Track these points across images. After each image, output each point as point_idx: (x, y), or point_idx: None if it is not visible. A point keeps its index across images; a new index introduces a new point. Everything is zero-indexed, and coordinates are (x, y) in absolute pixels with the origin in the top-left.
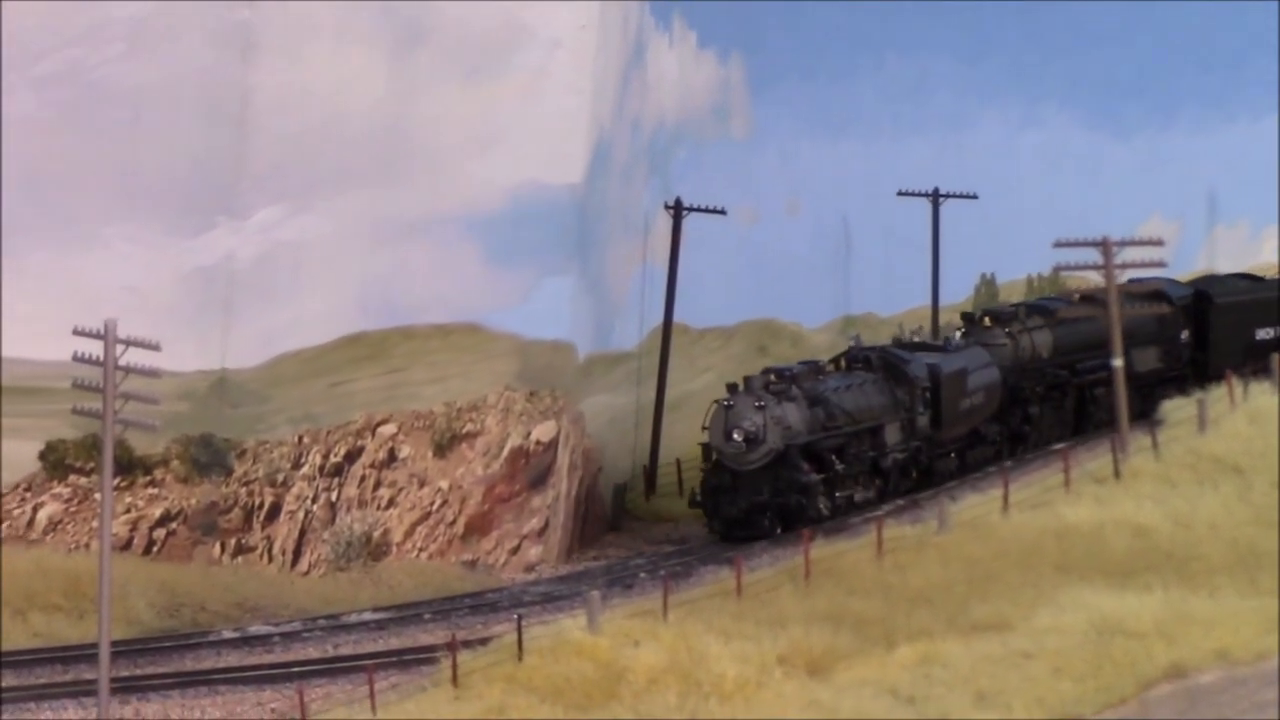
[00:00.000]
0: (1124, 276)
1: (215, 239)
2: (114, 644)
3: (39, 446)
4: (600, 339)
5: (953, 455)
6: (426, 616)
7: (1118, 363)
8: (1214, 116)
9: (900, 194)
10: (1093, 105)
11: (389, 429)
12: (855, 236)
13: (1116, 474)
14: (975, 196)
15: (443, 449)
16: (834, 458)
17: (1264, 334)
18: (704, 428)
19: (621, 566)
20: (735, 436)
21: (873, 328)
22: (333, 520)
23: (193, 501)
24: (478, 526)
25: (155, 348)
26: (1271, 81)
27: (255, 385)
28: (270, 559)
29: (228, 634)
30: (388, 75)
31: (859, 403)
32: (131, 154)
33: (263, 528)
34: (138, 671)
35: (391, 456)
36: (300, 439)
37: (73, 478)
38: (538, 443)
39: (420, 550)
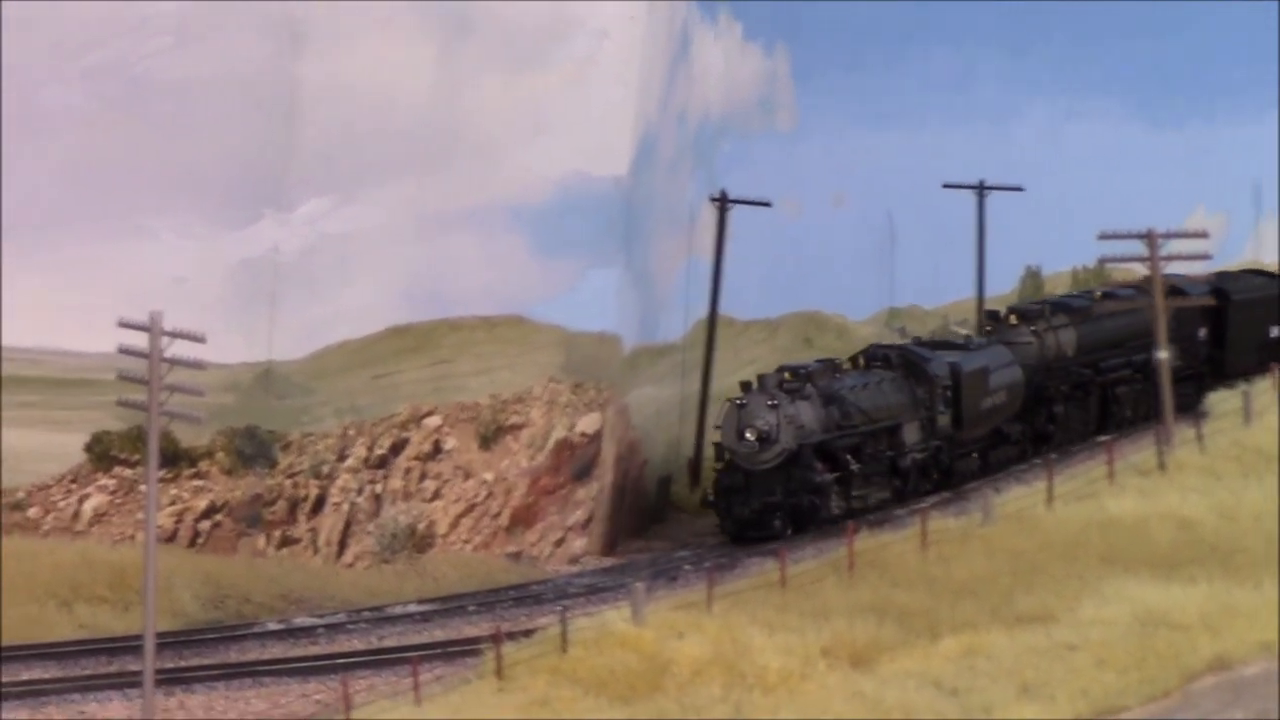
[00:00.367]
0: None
1: (261, 231)
2: (159, 636)
3: (85, 438)
4: (645, 331)
5: (975, 455)
6: (471, 608)
7: (1163, 354)
8: (1259, 108)
9: (945, 186)
10: (1138, 97)
11: (434, 421)
12: (900, 229)
13: (1161, 466)
14: (1021, 189)
15: (488, 441)
16: (849, 457)
17: (1277, 332)
18: (716, 426)
19: (666, 558)
20: (748, 436)
21: (917, 320)
22: (378, 512)
23: (238, 494)
24: (522, 518)
25: (201, 340)
26: None
27: (300, 377)
28: (315, 551)
29: (272, 626)
30: (435, 67)
31: (876, 401)
32: (178, 146)
33: (308, 520)
34: (182, 663)
35: (436, 448)
36: (345, 431)
37: (118, 470)
38: (583, 435)
39: (465, 542)
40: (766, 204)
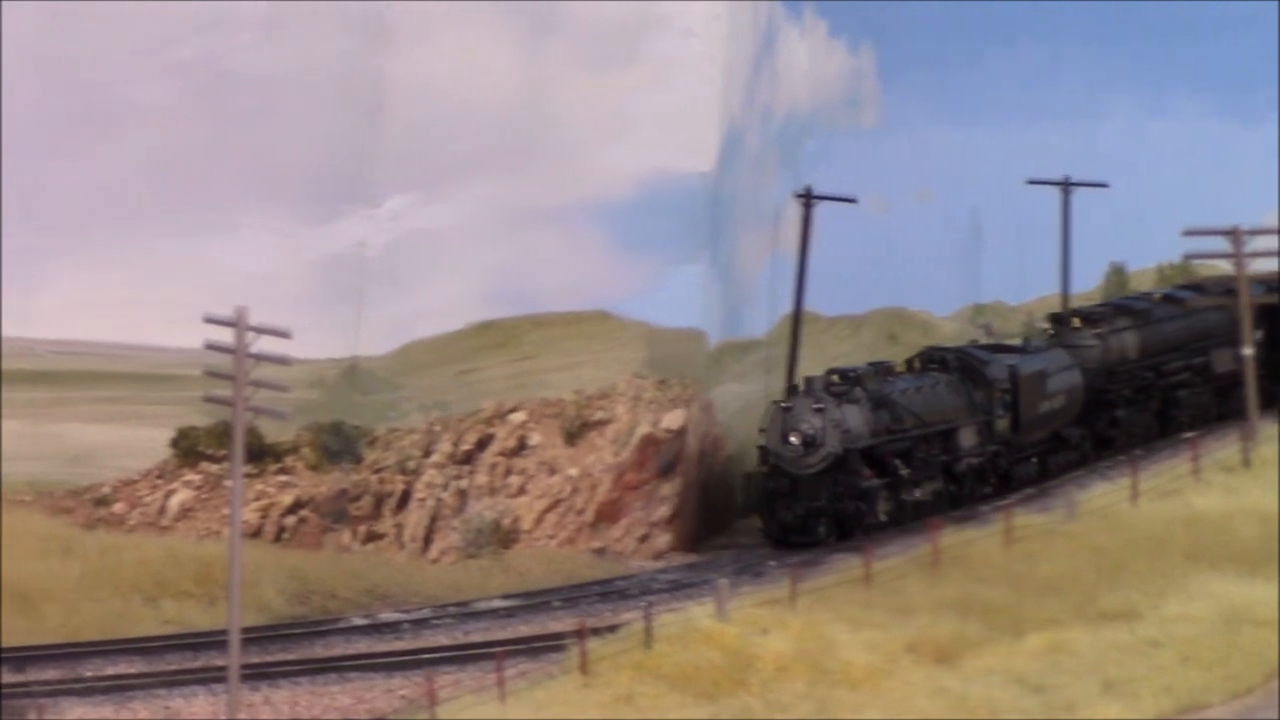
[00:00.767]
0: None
1: (347, 227)
2: (244, 631)
3: (170, 434)
4: (730, 327)
5: (1033, 460)
6: (555, 604)
7: (1248, 351)
8: None
9: (1030, 182)
10: (1223, 93)
11: (519, 416)
12: (985, 225)
13: (1246, 462)
14: (1106, 185)
15: (573, 436)
16: (898, 462)
17: None
18: (761, 429)
19: (750, 554)
20: (792, 439)
21: (1002, 316)
22: (463, 508)
23: (323, 489)
24: (607, 514)
25: (286, 335)
26: None
27: (386, 373)
28: (400, 546)
29: (358, 621)
30: (519, 64)
31: (930, 405)
32: (264, 142)
33: (393, 515)
34: (268, 658)
35: (521, 444)
36: (431, 426)
37: (204, 465)
38: (667, 430)
39: (550, 538)
40: (851, 200)
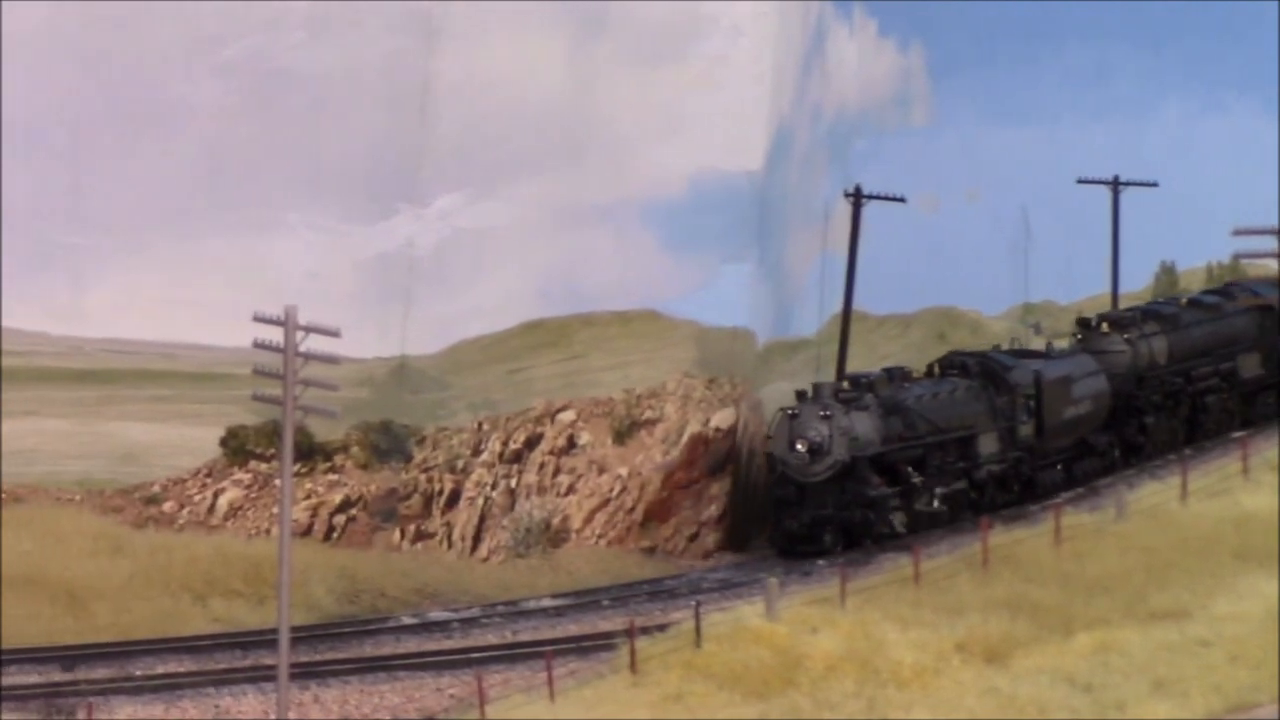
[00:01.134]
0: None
1: (396, 226)
2: (293, 629)
3: (220, 432)
4: (779, 326)
5: (1059, 467)
6: (605, 603)
7: None
8: None
9: (1080, 181)
10: (1272, 91)
11: (568, 416)
12: (1034, 224)
13: None
14: (1155, 184)
15: (622, 436)
16: (911, 470)
17: None
18: (767, 436)
19: (799, 553)
20: (798, 447)
21: (1052, 315)
22: (512, 507)
23: (372, 488)
24: (656, 513)
25: (335, 334)
26: None
27: (435, 372)
28: (450, 545)
29: (407, 620)
30: (568, 63)
31: (946, 411)
32: (313, 141)
33: (442, 514)
34: (317, 657)
35: (571, 443)
36: (480, 425)
37: (253, 464)
38: (717, 429)
39: (599, 537)
40: (901, 199)
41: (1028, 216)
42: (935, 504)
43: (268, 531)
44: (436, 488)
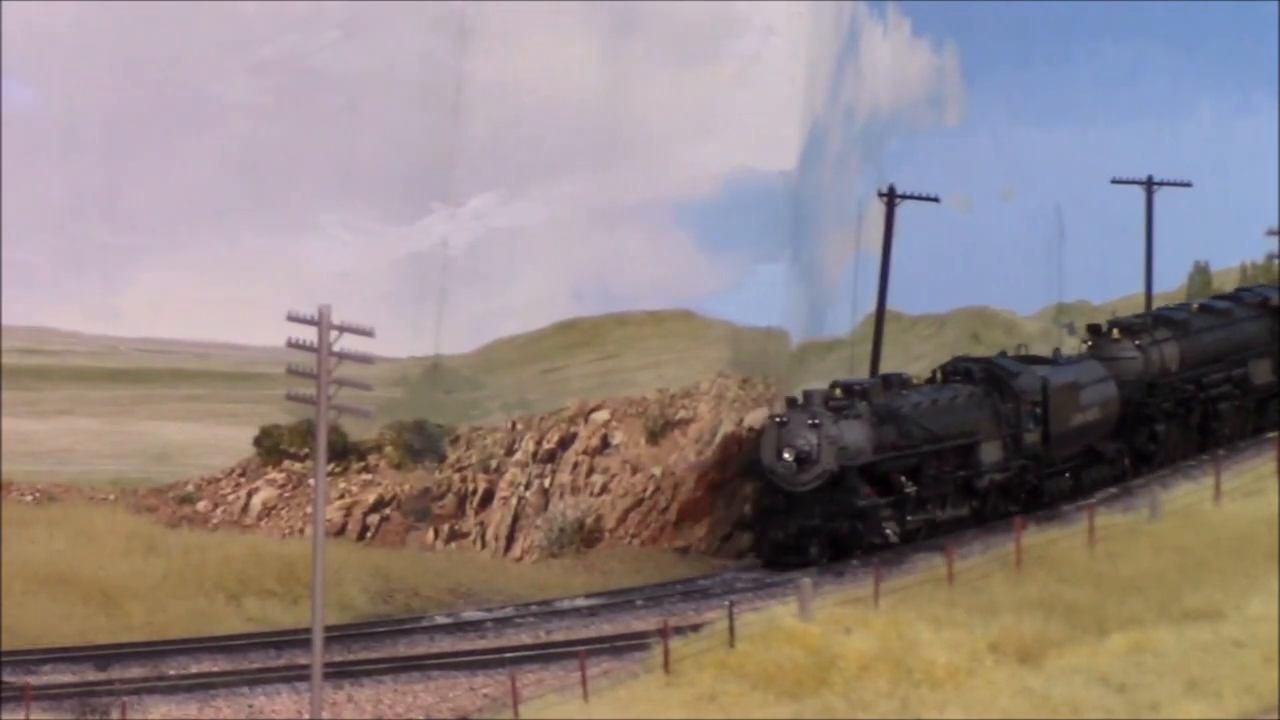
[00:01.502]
0: None
1: (430, 225)
2: (327, 629)
3: (253, 432)
4: (813, 326)
5: (1067, 475)
6: (639, 603)
7: None
8: None
9: (1114, 181)
10: None
11: (602, 415)
12: (1068, 224)
13: None
14: (1189, 184)
15: (656, 436)
16: (904, 479)
17: None
18: (755, 444)
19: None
20: (786, 456)
21: (1086, 315)
22: (546, 506)
23: (406, 487)
24: (690, 513)
25: (369, 333)
26: None
27: (469, 371)
28: (483, 545)
29: (440, 619)
30: (601, 63)
31: (945, 419)
32: (347, 140)
33: (476, 514)
34: (351, 657)
35: (605, 443)
36: (513, 425)
37: (287, 463)
38: (750, 429)
39: (633, 537)
40: (935, 199)
41: (1061, 216)
42: (934, 512)
43: (301, 531)
44: (470, 487)
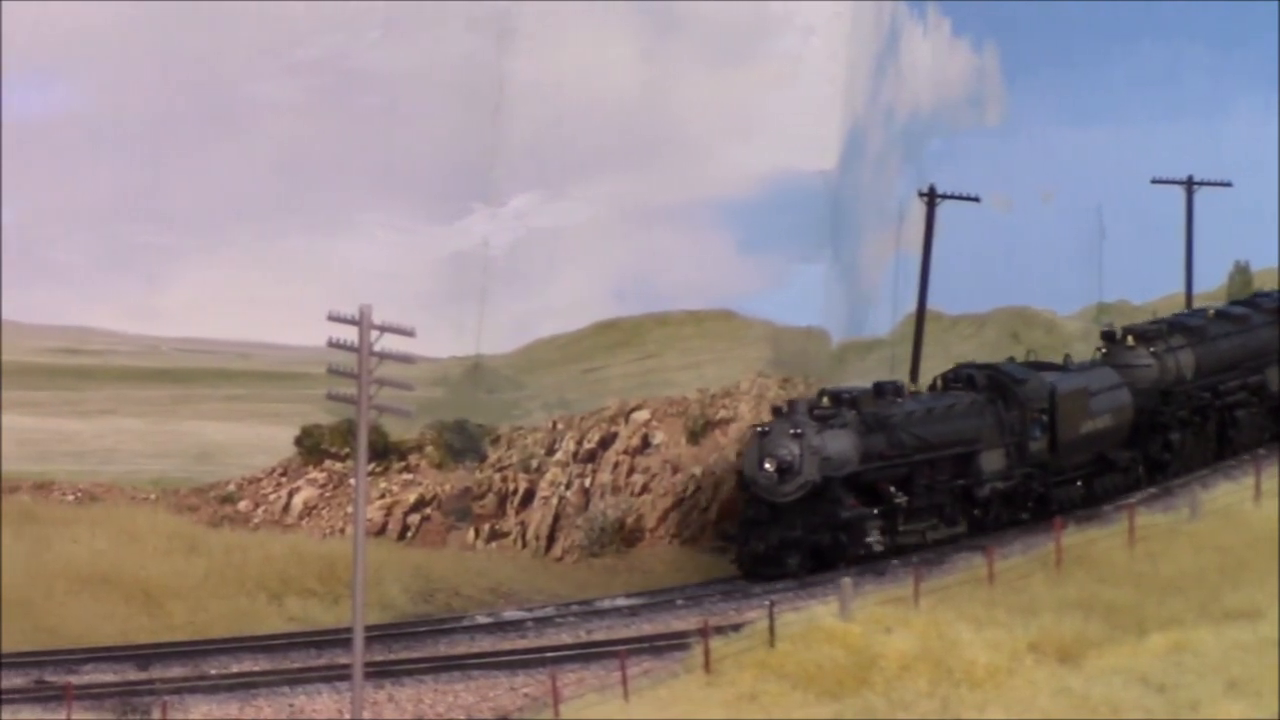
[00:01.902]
0: None
1: (470, 225)
2: (368, 629)
3: (294, 432)
4: (853, 325)
5: (1078, 483)
6: (679, 602)
7: None
8: None
9: (1154, 181)
10: None
11: (643, 415)
12: (1109, 224)
13: None
14: (1229, 184)
15: (696, 435)
16: (894, 489)
17: None
18: (738, 454)
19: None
20: (767, 466)
21: (1126, 315)
22: (586, 506)
23: (447, 487)
24: (731, 513)
25: (410, 333)
26: None
27: (509, 371)
28: (524, 544)
29: (481, 619)
30: (642, 64)
31: (941, 428)
32: (388, 140)
33: (516, 513)
34: (392, 656)
35: (645, 443)
36: (554, 425)
37: (328, 463)
38: None
39: (673, 536)
40: (975, 199)
41: (1102, 216)
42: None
43: (342, 530)
44: (511, 487)
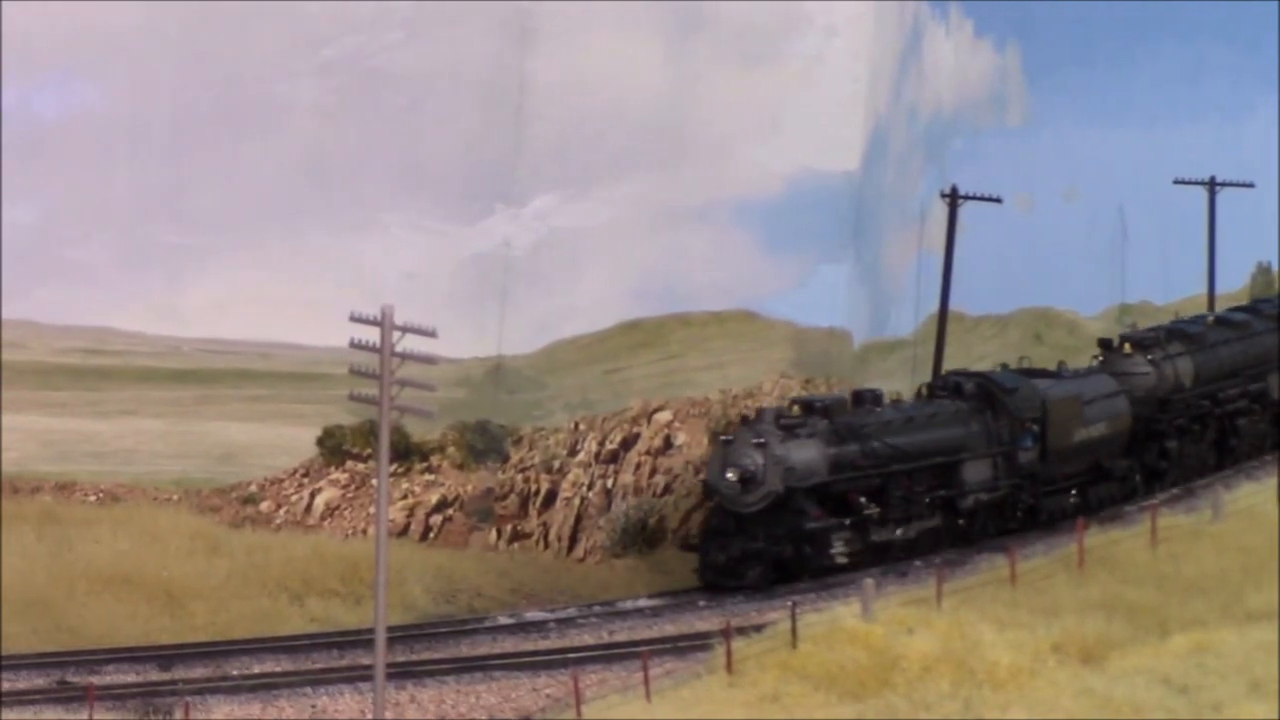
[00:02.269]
0: None
1: (492, 225)
2: (390, 629)
3: (316, 432)
4: (876, 326)
5: (1072, 493)
6: (701, 603)
7: None
8: None
9: (1176, 182)
10: None
11: (665, 416)
12: (1131, 224)
13: None
14: (1252, 185)
15: (719, 436)
16: (865, 500)
17: None
18: (702, 463)
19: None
20: (729, 476)
21: (1149, 316)
22: (608, 507)
23: (469, 488)
24: None
25: (432, 334)
26: None
27: (531, 371)
28: (546, 545)
29: (503, 620)
30: (665, 64)
31: (920, 437)
32: (410, 140)
33: (539, 514)
34: (414, 657)
35: (667, 443)
36: (576, 425)
37: (350, 464)
38: None
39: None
40: (997, 200)
41: (1124, 217)
42: (898, 534)
43: (364, 531)
44: (533, 488)
